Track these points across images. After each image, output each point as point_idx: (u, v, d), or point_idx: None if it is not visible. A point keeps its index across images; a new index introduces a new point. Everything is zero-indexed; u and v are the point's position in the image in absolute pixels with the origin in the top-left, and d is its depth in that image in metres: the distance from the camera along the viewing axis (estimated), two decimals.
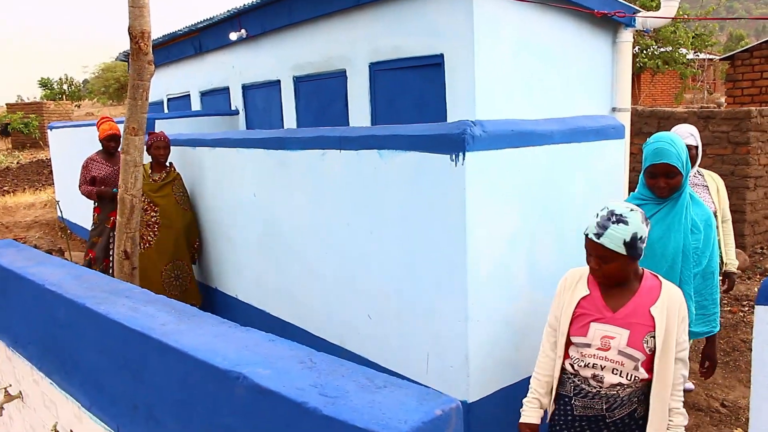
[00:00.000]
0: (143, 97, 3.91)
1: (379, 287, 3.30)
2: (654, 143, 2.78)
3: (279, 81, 6.46)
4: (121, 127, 4.81)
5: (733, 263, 4.02)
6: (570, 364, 2.31)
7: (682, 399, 2.29)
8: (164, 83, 9.24)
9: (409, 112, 5.08)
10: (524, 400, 2.44)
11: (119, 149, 4.81)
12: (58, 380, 2.10)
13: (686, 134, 3.86)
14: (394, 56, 5.32)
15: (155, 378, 1.55)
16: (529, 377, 2.49)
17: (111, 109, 35.17)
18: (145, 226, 4.92)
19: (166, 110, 9.41)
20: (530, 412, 2.41)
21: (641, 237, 2.17)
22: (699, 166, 4.09)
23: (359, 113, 5.50)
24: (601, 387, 2.25)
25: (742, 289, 6.06)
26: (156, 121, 6.30)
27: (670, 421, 2.26)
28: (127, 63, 10.02)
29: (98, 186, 5.44)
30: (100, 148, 5.64)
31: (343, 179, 3.44)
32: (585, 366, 2.26)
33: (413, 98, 5.08)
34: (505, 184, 2.94)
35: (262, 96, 6.90)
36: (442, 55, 5.01)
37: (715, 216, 3.84)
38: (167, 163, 5.06)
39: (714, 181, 4.04)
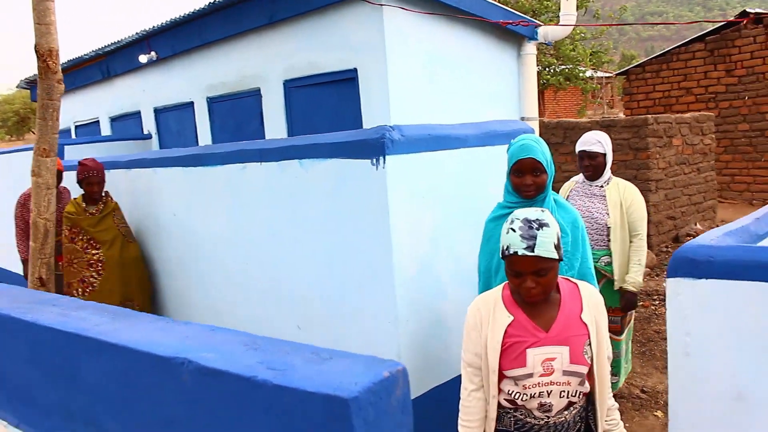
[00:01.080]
0: (54, 117, 3.78)
1: (306, 294, 3.31)
2: (518, 141, 2.71)
3: (192, 102, 6.39)
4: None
5: (632, 282, 3.66)
6: (507, 399, 2.08)
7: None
8: (71, 110, 8.91)
9: (326, 126, 5.14)
10: None
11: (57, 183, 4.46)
12: None
13: (593, 140, 3.71)
14: (309, 72, 5.38)
15: (93, 380, 1.51)
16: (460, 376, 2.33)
17: (10, 144, 33.52)
18: (86, 267, 4.41)
19: (74, 137, 9.08)
20: None
21: (559, 234, 2.06)
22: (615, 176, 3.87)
23: (275, 130, 5.51)
24: (548, 417, 2.07)
25: (652, 285, 6.40)
26: (65, 147, 6.07)
27: (612, 419, 2.24)
28: (28, 90, 9.63)
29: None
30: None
31: (265, 191, 3.44)
32: (531, 397, 2.04)
33: (329, 113, 5.14)
34: (425, 186, 3.03)
35: (175, 118, 6.79)
36: (355, 69, 5.11)
37: (608, 228, 3.68)
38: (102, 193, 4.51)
39: (621, 193, 3.72)
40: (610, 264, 3.74)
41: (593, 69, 18.87)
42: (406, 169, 2.91)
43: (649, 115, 7.35)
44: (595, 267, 3.42)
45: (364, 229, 2.95)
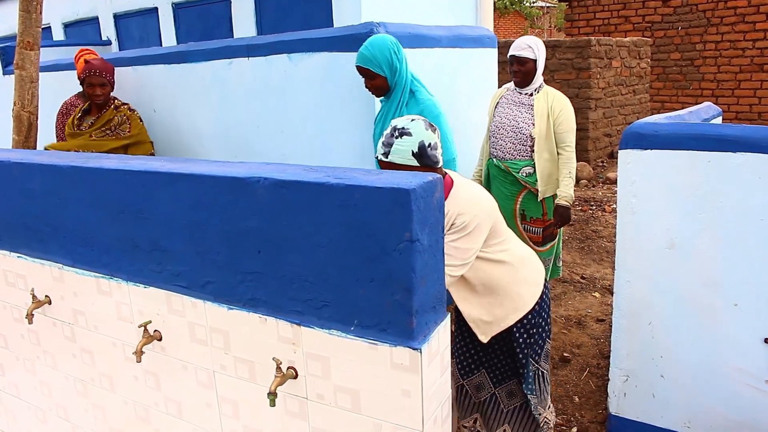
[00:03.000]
0: (37, 10, 3.86)
1: None
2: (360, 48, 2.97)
3: (156, 8, 6.38)
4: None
5: (565, 196, 3.56)
6: None
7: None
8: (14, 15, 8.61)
9: (296, 21, 5.28)
10: None
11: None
12: (28, 252, 2.26)
13: (524, 45, 3.58)
14: None
15: (161, 211, 1.80)
16: None
17: None
18: None
19: None
20: None
21: (430, 144, 2.12)
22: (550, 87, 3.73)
23: (244, 28, 5.62)
24: None
25: (589, 194, 6.97)
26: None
27: None
28: None
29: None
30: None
31: (252, 85, 3.69)
32: None
33: (299, 19, 5.30)
34: None
35: (137, 25, 6.77)
36: None
37: (533, 138, 3.60)
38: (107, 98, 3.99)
39: (550, 103, 3.62)
40: (531, 175, 3.65)
41: None
42: None
43: (592, 37, 7.79)
44: (516, 178, 3.67)
45: (352, 116, 3.27)
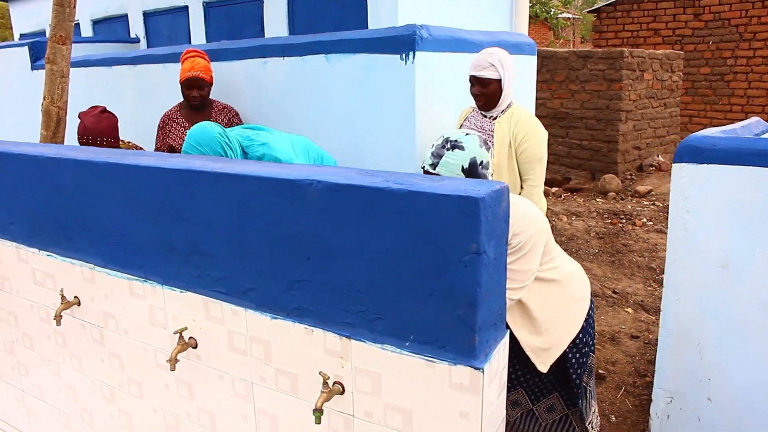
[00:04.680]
0: (71, 4, 3.82)
1: None
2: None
3: (186, 6, 6.34)
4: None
5: None
6: None
7: None
8: (47, 11, 8.63)
9: (328, 21, 5.20)
10: None
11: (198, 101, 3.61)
12: (59, 251, 2.18)
13: (485, 63, 2.95)
14: None
15: (202, 212, 1.71)
16: None
17: None
18: None
19: None
20: None
21: (482, 162, 2.04)
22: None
23: (276, 28, 5.55)
24: None
25: (618, 207, 6.83)
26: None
27: None
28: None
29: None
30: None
31: (287, 84, 3.60)
32: None
33: (333, 19, 5.22)
34: (446, 84, 3.26)
35: (166, 23, 6.73)
36: None
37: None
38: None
39: (513, 127, 3.03)
40: None
41: (561, 9, 19.10)
42: (431, 66, 3.12)
43: (625, 48, 7.65)
44: None
45: (389, 120, 3.17)
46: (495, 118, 3.08)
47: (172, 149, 3.69)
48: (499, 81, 2.98)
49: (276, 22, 5.53)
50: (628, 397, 3.35)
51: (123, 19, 7.27)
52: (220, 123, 3.45)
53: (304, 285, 1.53)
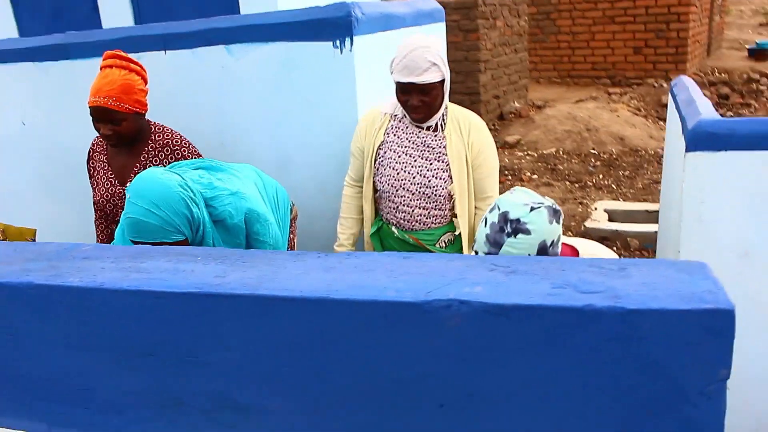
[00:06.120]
0: None
1: None
2: None
3: None
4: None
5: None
6: None
7: None
8: None
9: (189, 13, 4.39)
10: None
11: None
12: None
13: (424, 65, 2.16)
14: None
15: (233, 353, 1.10)
16: None
17: None
18: None
19: None
20: None
21: (553, 241, 1.60)
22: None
23: (115, 15, 4.60)
24: None
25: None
26: None
27: None
28: None
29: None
30: None
31: (174, 86, 2.90)
32: None
33: (193, 4, 4.41)
34: (379, 70, 2.75)
35: None
36: None
37: (452, 196, 2.37)
38: None
39: (465, 137, 2.37)
40: (453, 242, 2.48)
41: None
42: (367, 52, 2.61)
43: None
44: (431, 251, 2.44)
45: (322, 121, 2.63)
46: (434, 129, 2.36)
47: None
48: (442, 82, 2.26)
49: (115, 8, 4.57)
50: None
51: None
52: (156, 164, 2.43)
53: None
